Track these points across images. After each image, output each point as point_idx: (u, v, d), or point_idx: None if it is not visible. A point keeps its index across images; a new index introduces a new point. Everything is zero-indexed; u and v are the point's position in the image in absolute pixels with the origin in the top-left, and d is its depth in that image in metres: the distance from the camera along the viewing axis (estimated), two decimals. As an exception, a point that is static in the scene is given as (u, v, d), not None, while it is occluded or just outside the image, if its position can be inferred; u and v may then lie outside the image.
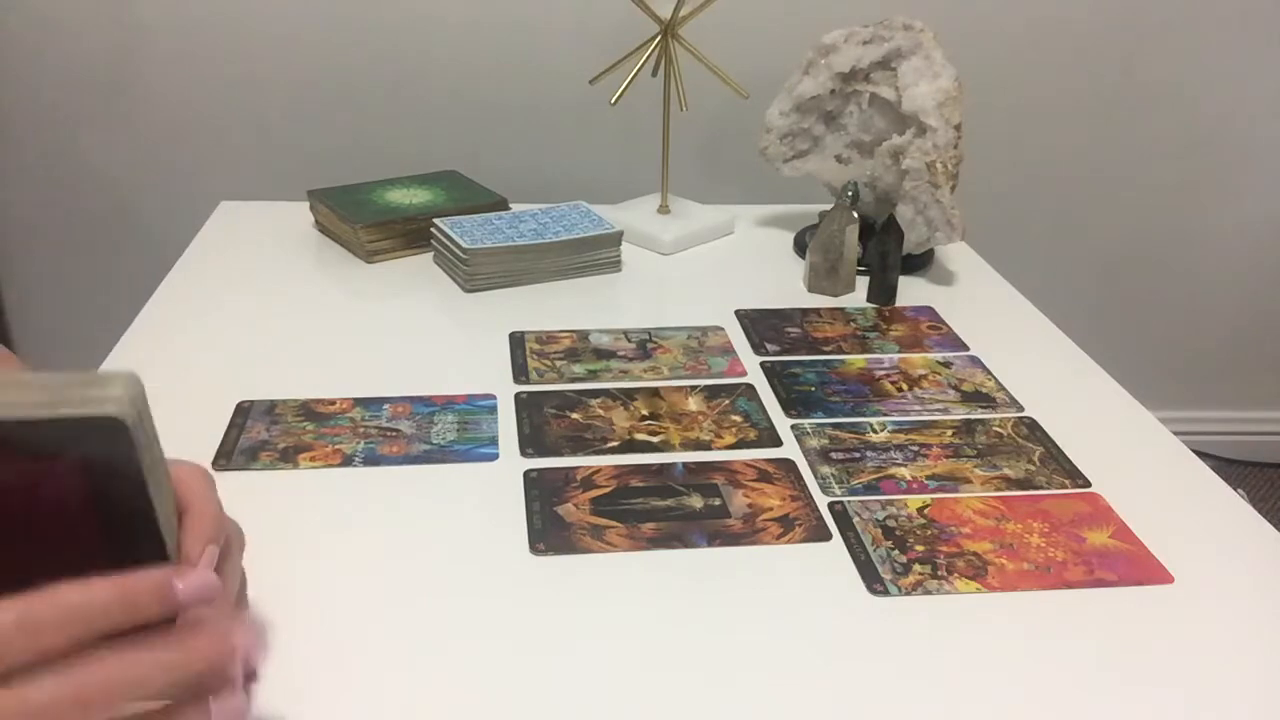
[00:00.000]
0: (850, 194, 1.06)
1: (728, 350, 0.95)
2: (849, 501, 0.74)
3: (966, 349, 0.97)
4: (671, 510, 0.72)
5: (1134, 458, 0.81)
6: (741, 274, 1.13)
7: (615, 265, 1.12)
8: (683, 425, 0.83)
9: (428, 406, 0.84)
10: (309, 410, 0.82)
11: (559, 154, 1.51)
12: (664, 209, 1.23)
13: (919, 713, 0.56)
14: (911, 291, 1.09)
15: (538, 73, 1.46)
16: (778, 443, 0.81)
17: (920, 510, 0.73)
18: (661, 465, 0.77)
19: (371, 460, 0.76)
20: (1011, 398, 0.89)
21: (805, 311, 1.04)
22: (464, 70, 1.45)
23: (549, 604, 0.63)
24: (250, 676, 0.43)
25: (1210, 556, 0.69)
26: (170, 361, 0.90)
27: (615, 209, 1.23)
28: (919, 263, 1.14)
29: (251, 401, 0.83)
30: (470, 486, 0.74)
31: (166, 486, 0.41)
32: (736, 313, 1.03)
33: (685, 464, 0.78)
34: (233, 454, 0.76)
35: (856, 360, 0.95)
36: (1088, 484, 0.77)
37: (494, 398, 0.85)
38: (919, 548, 0.69)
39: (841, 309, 1.05)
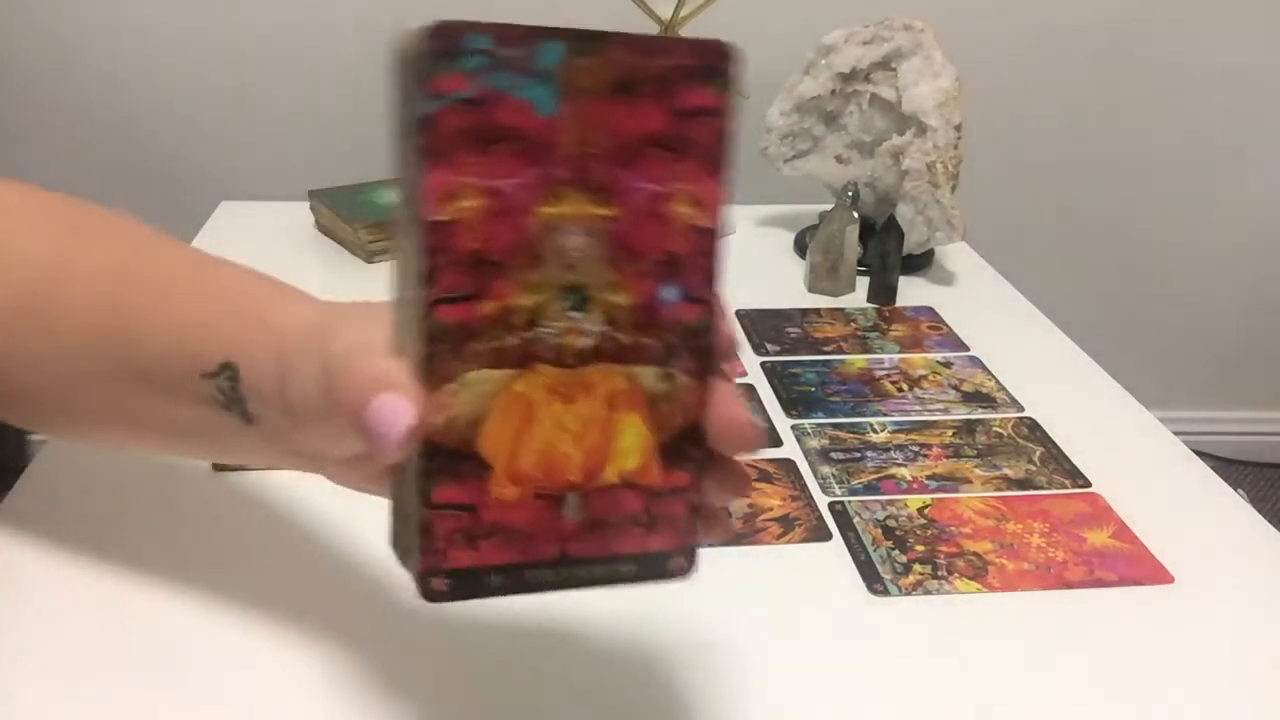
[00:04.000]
0: (850, 194, 1.06)
1: (728, 350, 0.95)
2: (849, 501, 0.74)
3: (966, 349, 0.97)
4: (672, 510, 0.72)
5: (1134, 458, 0.81)
6: (741, 274, 1.13)
7: (615, 265, 1.12)
8: (683, 425, 0.83)
9: (428, 406, 0.84)
10: (309, 410, 0.82)
11: (559, 154, 1.51)
12: (664, 209, 1.22)
13: (919, 713, 0.56)
14: (911, 291, 1.09)
15: (538, 73, 1.46)
16: (778, 443, 0.81)
17: (920, 510, 0.73)
18: (662, 465, 0.77)
19: (372, 460, 0.76)
20: (1011, 398, 0.89)
21: (805, 311, 1.04)
22: (464, 70, 1.45)
23: (549, 603, 0.63)
24: None
25: (1210, 556, 0.69)
26: (170, 361, 0.89)
27: (615, 209, 1.22)
28: (919, 263, 1.14)
29: (252, 401, 0.83)
30: (470, 486, 0.74)
31: None
32: (736, 313, 1.03)
33: (685, 464, 0.77)
34: (233, 454, 0.76)
35: (857, 360, 0.95)
36: (1088, 484, 0.77)
37: (494, 398, 0.85)
38: (919, 548, 0.69)
39: (841, 309, 1.05)
